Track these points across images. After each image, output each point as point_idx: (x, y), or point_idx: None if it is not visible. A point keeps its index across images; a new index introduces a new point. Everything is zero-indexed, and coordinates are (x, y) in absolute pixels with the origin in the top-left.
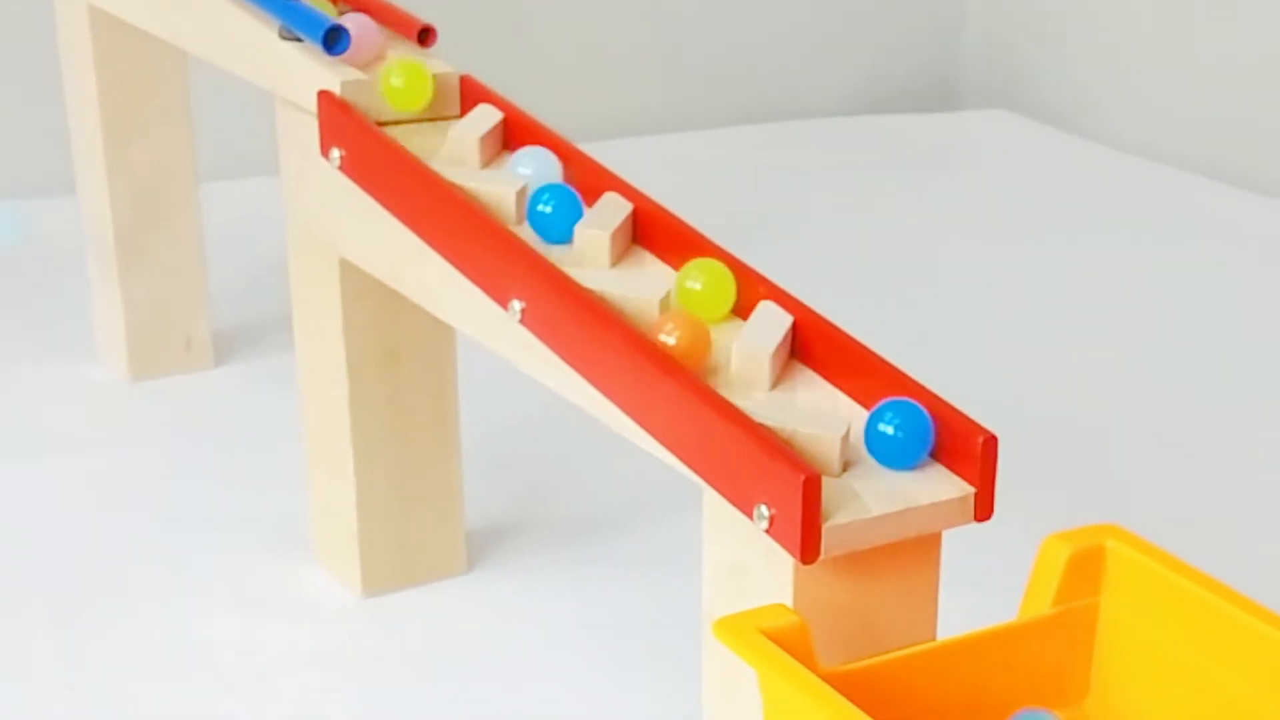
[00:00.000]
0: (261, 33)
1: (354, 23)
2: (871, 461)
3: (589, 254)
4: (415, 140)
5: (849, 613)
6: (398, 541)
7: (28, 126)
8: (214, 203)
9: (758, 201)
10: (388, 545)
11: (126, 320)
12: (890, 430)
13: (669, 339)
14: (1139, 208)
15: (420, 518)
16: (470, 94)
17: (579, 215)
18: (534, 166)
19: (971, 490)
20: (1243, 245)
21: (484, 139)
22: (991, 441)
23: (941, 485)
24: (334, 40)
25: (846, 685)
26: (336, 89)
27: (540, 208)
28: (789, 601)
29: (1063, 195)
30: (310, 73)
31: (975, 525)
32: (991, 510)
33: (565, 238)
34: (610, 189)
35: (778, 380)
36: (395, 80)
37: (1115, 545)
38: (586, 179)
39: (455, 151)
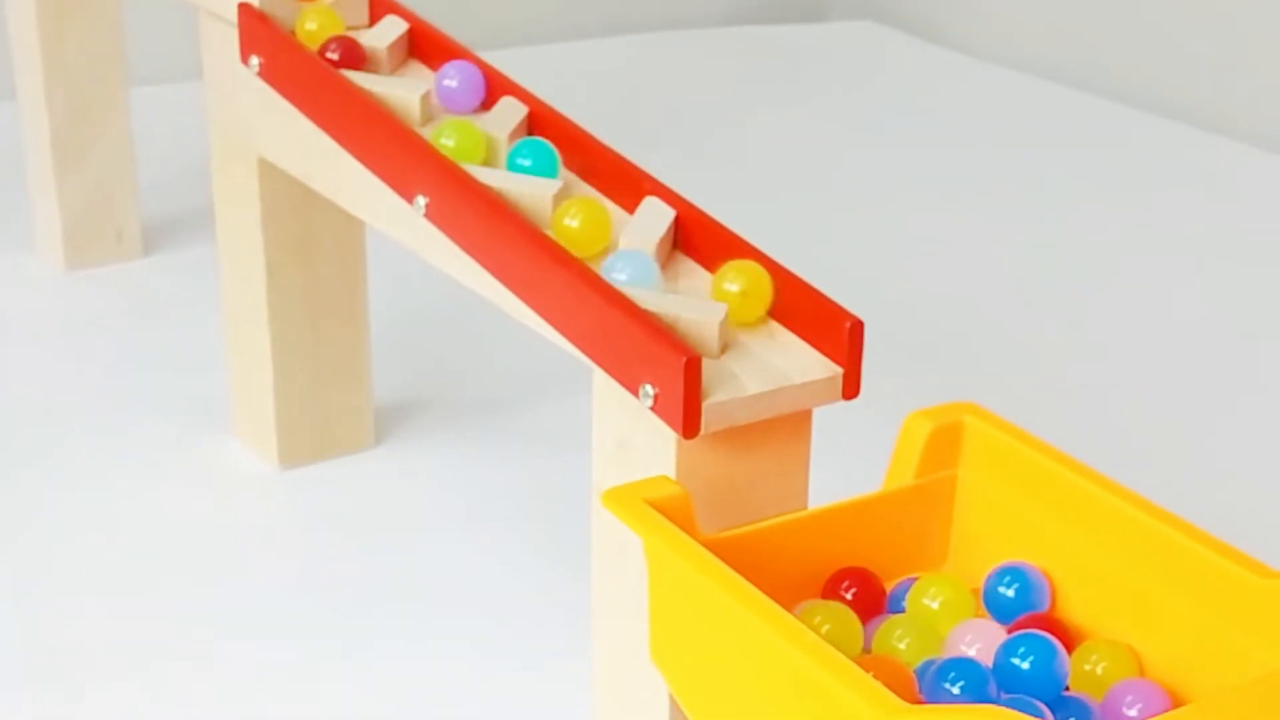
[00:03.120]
0: None
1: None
2: (748, 343)
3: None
4: None
5: (727, 484)
6: (312, 418)
7: None
8: (144, 106)
9: (635, 108)
10: (302, 422)
11: (62, 214)
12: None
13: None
14: (1002, 116)
15: (332, 396)
16: (378, 5)
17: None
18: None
19: (840, 371)
20: (1104, 151)
21: (391, 47)
22: (858, 326)
23: (813, 366)
24: None
25: (725, 551)
26: (255, 2)
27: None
28: (672, 474)
29: (928, 104)
30: None
31: (844, 403)
32: (858, 389)
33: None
34: (507, 94)
35: (662, 270)
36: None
37: (972, 422)
38: (488, 84)
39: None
